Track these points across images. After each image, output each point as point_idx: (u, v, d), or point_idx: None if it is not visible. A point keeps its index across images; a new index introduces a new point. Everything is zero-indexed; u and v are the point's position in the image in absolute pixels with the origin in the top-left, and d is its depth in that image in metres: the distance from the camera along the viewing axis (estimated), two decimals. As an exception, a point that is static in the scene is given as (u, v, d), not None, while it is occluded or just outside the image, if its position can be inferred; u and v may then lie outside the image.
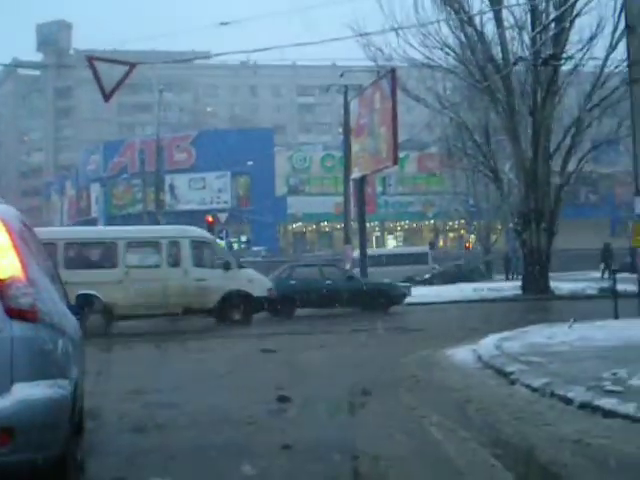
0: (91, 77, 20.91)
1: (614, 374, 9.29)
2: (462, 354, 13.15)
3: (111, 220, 69.95)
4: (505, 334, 14.59)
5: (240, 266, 23.54)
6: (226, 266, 22.48)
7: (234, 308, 22.22)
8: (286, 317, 23.88)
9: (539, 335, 14.30)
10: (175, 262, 22.13)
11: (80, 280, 19.80)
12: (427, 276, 44.61)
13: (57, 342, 5.26)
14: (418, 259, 48.21)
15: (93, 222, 75.11)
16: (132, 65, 21.24)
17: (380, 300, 25.99)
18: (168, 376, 12.13)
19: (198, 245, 22.81)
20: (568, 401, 8.44)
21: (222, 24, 23.22)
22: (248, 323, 22.21)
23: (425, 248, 53.65)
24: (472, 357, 12.62)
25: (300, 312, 25.01)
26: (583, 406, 8.16)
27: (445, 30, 31.39)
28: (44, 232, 23.16)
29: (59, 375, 5.12)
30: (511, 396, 9.25)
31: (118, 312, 21.06)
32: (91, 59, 21.56)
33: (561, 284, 33.55)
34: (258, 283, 22.95)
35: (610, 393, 8.34)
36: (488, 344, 13.29)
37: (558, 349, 12.29)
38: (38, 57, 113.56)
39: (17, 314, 4.86)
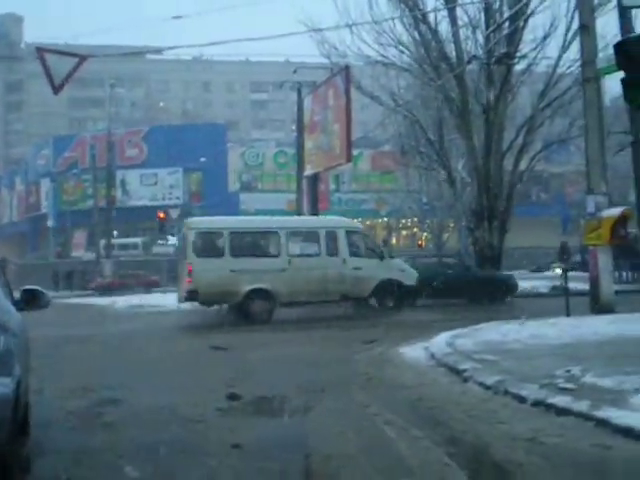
0: (42, 71, 20.63)
1: (567, 371, 9.27)
2: (415, 352, 13.08)
3: (61, 216, 69.11)
4: (457, 331, 14.56)
5: (391, 256, 24.48)
6: (381, 256, 23.43)
7: (388, 296, 23.12)
8: (409, 306, 24.00)
9: (492, 333, 14.29)
10: (333, 251, 22.80)
11: (245, 268, 21.76)
12: None
13: (-2, 339, 5.08)
14: None
15: (43, 218, 74.16)
16: (82, 57, 20.99)
17: (497, 290, 27.30)
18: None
19: (352, 235, 23.60)
20: (521, 399, 8.39)
21: (174, 18, 23.03)
22: (400, 310, 22.76)
23: None
24: (425, 355, 12.55)
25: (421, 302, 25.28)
26: (537, 404, 8.11)
27: (399, 28, 31.38)
28: (210, 221, 24.20)
29: (1, 373, 4.94)
30: (464, 394, 9.19)
31: (281, 299, 22.13)
32: (41, 51, 21.25)
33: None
34: (408, 273, 23.91)
35: (563, 391, 8.31)
36: (441, 342, 13.25)
37: (511, 347, 12.28)
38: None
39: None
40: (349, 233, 23.35)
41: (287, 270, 22.01)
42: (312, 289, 21.73)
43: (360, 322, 20.51)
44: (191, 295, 21.72)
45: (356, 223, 26.10)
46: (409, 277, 23.62)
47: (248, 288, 21.64)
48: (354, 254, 22.94)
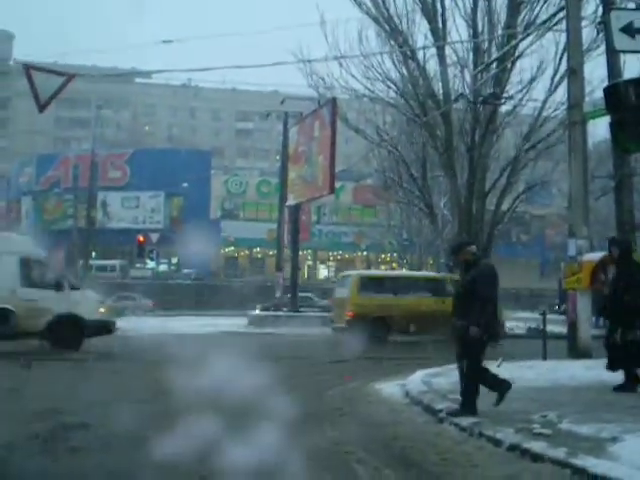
0: (29, 88, 20.47)
1: (544, 416, 9.14)
2: (390, 389, 12.92)
3: (41, 235, 68.72)
4: (434, 370, 14.41)
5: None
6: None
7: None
8: None
9: (468, 373, 14.15)
10: None
11: None
12: None
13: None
14: None
15: (22, 235, 73.64)
16: (70, 76, 20.82)
17: None
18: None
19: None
20: (497, 442, 8.23)
21: (164, 42, 22.93)
22: None
23: None
24: (400, 392, 12.39)
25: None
26: (512, 448, 7.95)
27: (388, 63, 31.49)
28: None
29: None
30: (439, 435, 9.03)
31: None
32: (28, 68, 21.09)
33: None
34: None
35: (539, 436, 8.16)
36: (416, 380, 13.09)
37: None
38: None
39: None
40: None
41: None
42: None
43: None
44: None
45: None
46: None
47: None
48: None
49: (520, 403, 10.39)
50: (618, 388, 11.27)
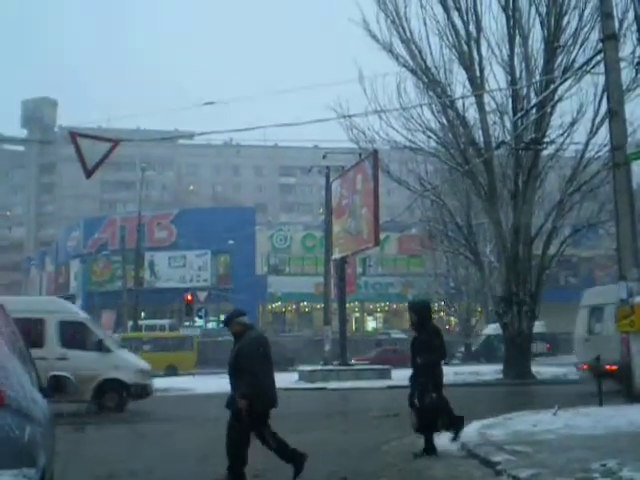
0: (75, 154, 20.85)
1: (603, 465, 8.98)
2: (445, 441, 12.77)
3: (90, 297, 69.44)
4: (489, 421, 14.25)
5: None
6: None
7: None
8: None
9: (524, 422, 13.97)
10: None
11: None
12: None
13: (24, 428, 5.00)
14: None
15: (71, 298, 74.56)
16: (115, 142, 21.18)
17: None
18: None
19: None
20: (557, 494, 8.13)
21: (206, 104, 23.23)
22: None
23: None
24: (455, 445, 12.25)
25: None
26: (573, 500, 7.85)
27: (427, 114, 31.70)
28: None
29: (25, 463, 4.85)
30: (497, 488, 8.93)
31: None
32: (74, 135, 21.49)
33: (542, 368, 33.22)
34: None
35: (600, 486, 8.05)
36: (472, 431, 12.94)
37: (544, 437, 11.96)
38: (23, 133, 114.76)
39: (-18, 399, 4.61)
40: None
41: None
42: None
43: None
44: None
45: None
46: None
47: None
48: None
49: (579, 452, 10.23)
50: (421, 454, 11.41)
